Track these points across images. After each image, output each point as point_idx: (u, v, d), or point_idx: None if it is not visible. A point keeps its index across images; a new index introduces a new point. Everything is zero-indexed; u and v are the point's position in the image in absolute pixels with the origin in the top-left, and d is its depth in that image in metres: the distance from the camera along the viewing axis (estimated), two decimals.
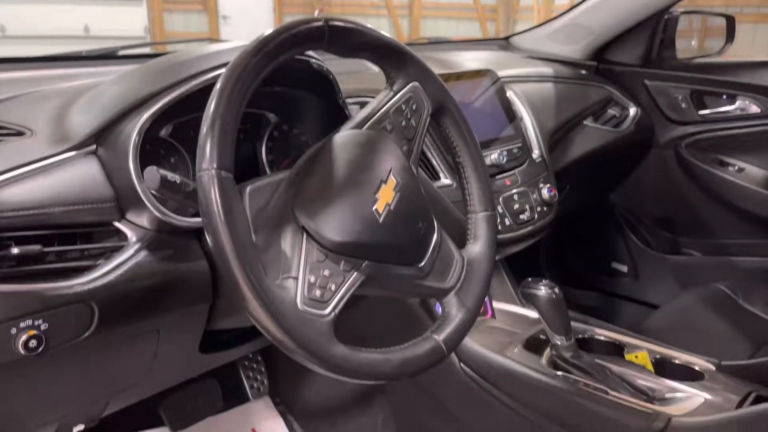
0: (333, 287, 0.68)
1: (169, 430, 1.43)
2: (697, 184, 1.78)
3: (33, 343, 0.71)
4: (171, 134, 0.90)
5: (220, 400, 1.52)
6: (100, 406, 1.04)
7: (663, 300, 1.76)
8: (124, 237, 0.79)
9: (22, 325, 0.70)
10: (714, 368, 1.12)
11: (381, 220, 0.73)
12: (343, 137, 0.77)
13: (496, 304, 1.31)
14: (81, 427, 1.07)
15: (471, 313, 0.80)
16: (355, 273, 0.70)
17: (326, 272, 0.68)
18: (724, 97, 1.69)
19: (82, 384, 0.92)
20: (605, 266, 2.02)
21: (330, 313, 0.67)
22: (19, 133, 0.83)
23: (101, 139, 0.81)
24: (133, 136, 0.77)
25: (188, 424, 1.46)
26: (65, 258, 0.75)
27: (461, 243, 0.86)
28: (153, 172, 0.69)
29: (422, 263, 0.78)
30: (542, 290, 1.05)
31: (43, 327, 0.72)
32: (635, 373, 1.10)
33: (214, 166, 0.62)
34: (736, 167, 1.69)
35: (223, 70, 0.66)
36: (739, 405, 1.01)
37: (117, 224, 0.79)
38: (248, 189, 0.69)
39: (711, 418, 0.96)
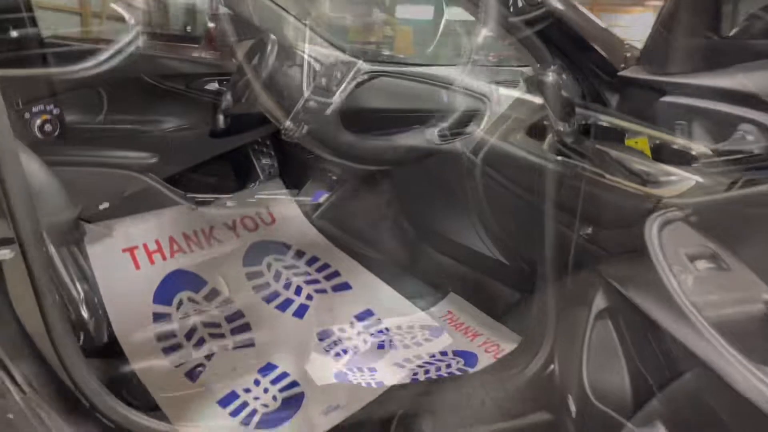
0: (338, 75, 0.68)
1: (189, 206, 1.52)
2: None
3: (48, 127, 0.73)
4: None
5: (234, 180, 1.59)
6: (122, 185, 1.10)
7: (673, 88, 1.72)
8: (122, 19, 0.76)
9: (34, 109, 0.72)
10: (711, 153, 1.14)
11: None
12: None
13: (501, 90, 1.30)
14: (106, 204, 1.14)
15: None
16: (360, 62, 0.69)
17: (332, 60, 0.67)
18: None
19: (101, 165, 0.96)
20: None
21: (336, 100, 0.68)
22: None
23: None
24: None
25: (206, 200, 1.54)
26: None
27: None
28: None
29: None
30: (550, 76, 1.04)
31: (55, 111, 0.74)
32: (633, 158, 1.13)
33: None
34: None
35: None
36: (729, 188, 1.04)
37: (113, 5, 0.76)
38: None
39: (698, 199, 1.00)
